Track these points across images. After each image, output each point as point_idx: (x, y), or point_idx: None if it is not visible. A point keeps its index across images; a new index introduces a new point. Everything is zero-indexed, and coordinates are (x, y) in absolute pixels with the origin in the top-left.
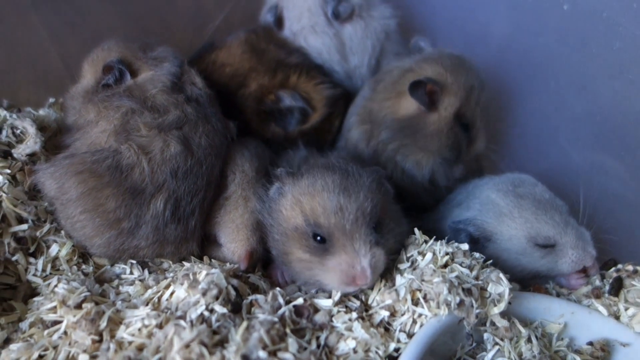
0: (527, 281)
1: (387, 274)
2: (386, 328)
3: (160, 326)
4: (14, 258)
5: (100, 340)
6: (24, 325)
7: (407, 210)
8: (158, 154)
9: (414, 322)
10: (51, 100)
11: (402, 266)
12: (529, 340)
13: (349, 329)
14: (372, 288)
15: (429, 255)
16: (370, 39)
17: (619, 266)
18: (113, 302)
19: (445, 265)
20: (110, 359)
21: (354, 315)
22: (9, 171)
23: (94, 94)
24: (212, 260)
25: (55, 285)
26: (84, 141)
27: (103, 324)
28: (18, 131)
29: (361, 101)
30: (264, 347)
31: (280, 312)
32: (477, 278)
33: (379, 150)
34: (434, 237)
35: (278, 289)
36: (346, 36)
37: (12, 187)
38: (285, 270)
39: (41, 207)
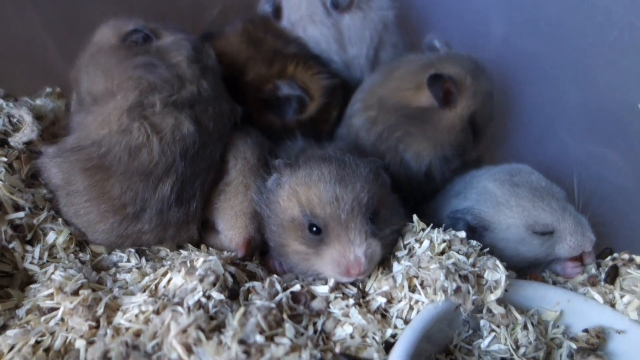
0: (525, 270)
1: (384, 261)
2: (383, 314)
3: (157, 312)
4: (10, 246)
5: (97, 327)
6: (20, 312)
7: (404, 200)
8: (169, 134)
9: (411, 308)
10: (48, 90)
11: (399, 253)
12: (525, 327)
13: (346, 315)
14: (369, 275)
15: (426, 243)
16: (369, 29)
17: (615, 255)
18: (110, 289)
19: (442, 253)
20: (107, 344)
21: (351, 301)
22: (5, 159)
23: (125, 58)
24: (210, 248)
25: (52, 273)
26: (97, 117)
27: (100, 310)
28: (15, 120)
29: (368, 87)
30: (261, 332)
31: (277, 298)
32: (474, 265)
33: (382, 137)
34: (431, 224)
35: (275, 276)
36: (344, 26)
37: (9, 175)
38: (283, 261)
39: (38, 195)
